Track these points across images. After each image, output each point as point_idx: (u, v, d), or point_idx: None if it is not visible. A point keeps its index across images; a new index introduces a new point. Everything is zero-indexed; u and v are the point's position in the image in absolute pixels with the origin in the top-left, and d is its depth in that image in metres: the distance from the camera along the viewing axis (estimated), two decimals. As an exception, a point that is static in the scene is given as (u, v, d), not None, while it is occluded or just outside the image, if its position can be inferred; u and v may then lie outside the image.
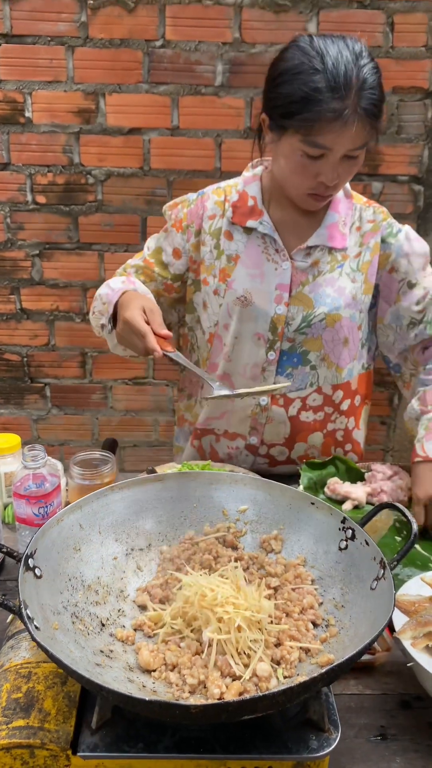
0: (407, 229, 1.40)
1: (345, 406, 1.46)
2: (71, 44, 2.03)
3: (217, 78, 2.08)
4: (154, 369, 2.40)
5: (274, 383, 1.38)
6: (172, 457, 1.62)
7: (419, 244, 1.40)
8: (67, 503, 1.22)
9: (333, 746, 0.72)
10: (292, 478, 1.38)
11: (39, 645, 0.67)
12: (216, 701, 0.66)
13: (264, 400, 1.40)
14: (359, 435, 1.54)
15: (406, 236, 1.40)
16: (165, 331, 1.17)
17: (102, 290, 1.35)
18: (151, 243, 1.45)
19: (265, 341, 1.37)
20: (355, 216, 1.38)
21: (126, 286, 1.31)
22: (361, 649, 0.69)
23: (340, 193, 1.37)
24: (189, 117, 2.11)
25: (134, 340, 1.17)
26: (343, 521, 0.93)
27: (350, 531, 0.92)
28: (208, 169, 2.16)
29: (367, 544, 0.88)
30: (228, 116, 2.11)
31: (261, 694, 0.64)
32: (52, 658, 0.66)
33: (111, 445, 1.48)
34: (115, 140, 2.13)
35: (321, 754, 0.71)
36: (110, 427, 2.49)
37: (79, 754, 0.70)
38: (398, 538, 1.21)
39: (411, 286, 1.41)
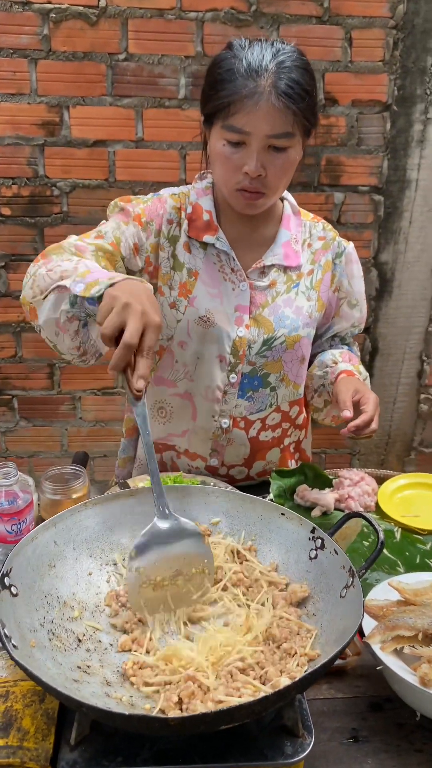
0: (351, 249, 1.44)
1: (300, 420, 1.50)
2: (34, 57, 2.04)
3: (181, 91, 2.11)
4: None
5: (235, 406, 1.39)
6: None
7: (358, 267, 1.46)
8: (39, 518, 1.22)
9: (307, 751, 0.74)
10: (251, 489, 1.40)
11: (18, 664, 0.67)
12: (194, 713, 0.67)
13: (225, 422, 1.40)
14: (307, 443, 1.59)
15: (348, 258, 1.44)
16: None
17: (64, 264, 1.11)
18: (107, 229, 1.29)
19: (227, 363, 1.36)
20: (305, 233, 1.40)
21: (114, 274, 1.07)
22: (333, 656, 0.71)
23: (288, 210, 1.39)
24: (153, 129, 2.13)
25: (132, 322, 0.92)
26: (313, 531, 0.95)
27: (320, 540, 0.94)
28: (173, 181, 2.18)
29: (336, 553, 0.91)
30: (192, 128, 2.12)
31: (238, 704, 0.66)
32: (31, 676, 0.67)
33: (82, 459, 1.48)
34: (79, 152, 2.13)
35: (296, 759, 0.74)
36: (80, 438, 2.48)
37: (58, 771, 0.71)
38: (366, 543, 1.24)
39: (351, 306, 1.46)
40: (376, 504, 1.36)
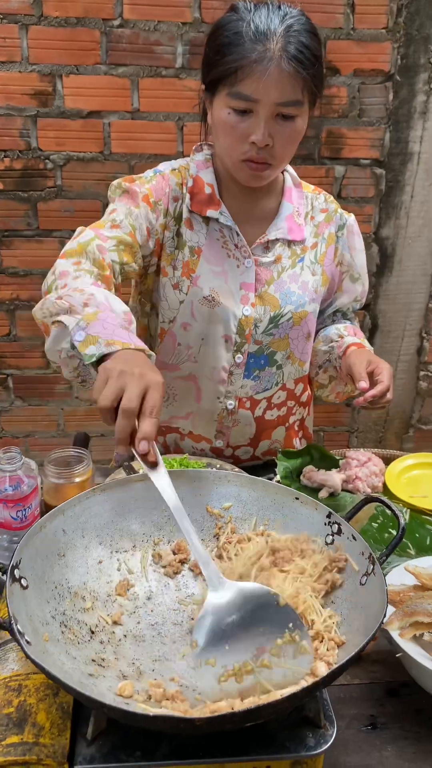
0: (352, 221, 1.41)
1: (304, 397, 1.48)
2: (25, 22, 1.95)
3: (178, 59, 2.04)
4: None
5: (241, 387, 1.36)
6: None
7: (360, 240, 1.42)
8: (43, 503, 1.19)
9: (330, 743, 0.73)
10: (256, 469, 1.38)
11: (36, 664, 0.65)
12: (221, 713, 0.65)
13: (231, 404, 1.37)
14: (310, 421, 1.56)
15: (350, 230, 1.40)
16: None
17: (75, 296, 1.02)
18: (121, 216, 1.22)
19: (233, 343, 1.32)
20: (307, 205, 1.37)
21: (132, 336, 0.97)
22: (363, 645, 0.69)
23: (290, 182, 1.35)
24: (149, 100, 2.06)
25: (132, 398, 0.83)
26: (329, 516, 0.93)
27: (336, 526, 0.92)
28: (171, 153, 2.12)
29: (354, 538, 0.88)
30: (189, 99, 2.06)
31: (266, 702, 0.64)
32: (51, 677, 0.64)
33: (83, 440, 1.45)
34: (73, 123, 2.06)
35: (318, 751, 0.72)
36: (76, 418, 2.45)
37: (75, 766, 0.69)
38: (375, 524, 1.22)
39: (354, 280, 1.43)
40: (384, 484, 1.34)
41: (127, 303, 1.18)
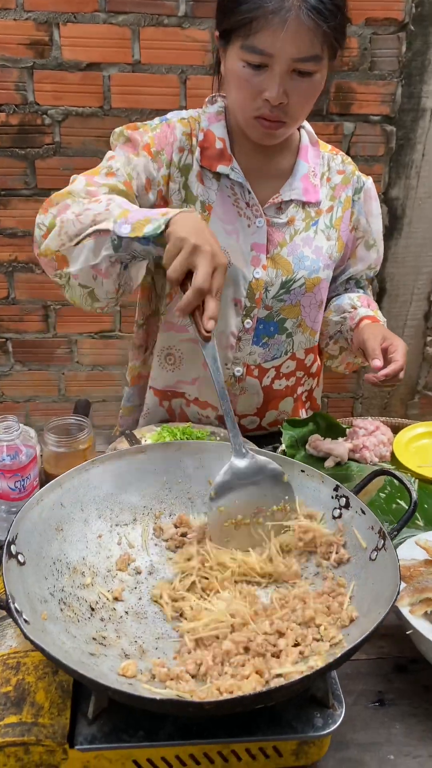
0: (370, 185, 1.35)
1: (314, 368, 1.44)
2: (19, -34, 1.85)
3: (181, 7, 1.93)
4: (121, 322, 2.31)
5: (249, 353, 1.32)
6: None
7: (377, 204, 1.36)
8: (43, 471, 1.16)
9: (338, 723, 0.71)
10: (262, 439, 1.34)
11: (35, 645, 0.62)
12: (231, 696, 0.63)
13: (239, 370, 1.32)
14: (318, 392, 1.52)
15: (367, 194, 1.34)
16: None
17: (93, 207, 1.04)
18: (118, 164, 1.17)
19: (242, 307, 1.27)
20: (323, 166, 1.30)
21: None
22: (378, 623, 0.66)
23: (306, 140, 1.28)
24: (151, 51, 1.97)
25: (202, 262, 0.90)
26: (336, 489, 0.90)
27: (344, 499, 0.89)
28: (173, 109, 2.02)
29: (363, 512, 0.85)
30: (193, 50, 1.97)
31: (277, 685, 0.61)
32: (51, 658, 0.61)
33: (84, 408, 1.41)
34: (72, 76, 1.97)
35: (326, 732, 0.70)
36: (77, 383, 2.41)
37: (76, 747, 0.67)
38: (383, 495, 1.19)
39: (369, 247, 1.37)
40: (392, 454, 1.31)
41: None
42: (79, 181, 1.14)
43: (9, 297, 2.26)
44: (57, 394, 2.43)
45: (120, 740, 0.68)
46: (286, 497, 0.91)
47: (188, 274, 0.92)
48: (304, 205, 1.27)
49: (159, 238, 0.96)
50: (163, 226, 0.95)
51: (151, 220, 0.97)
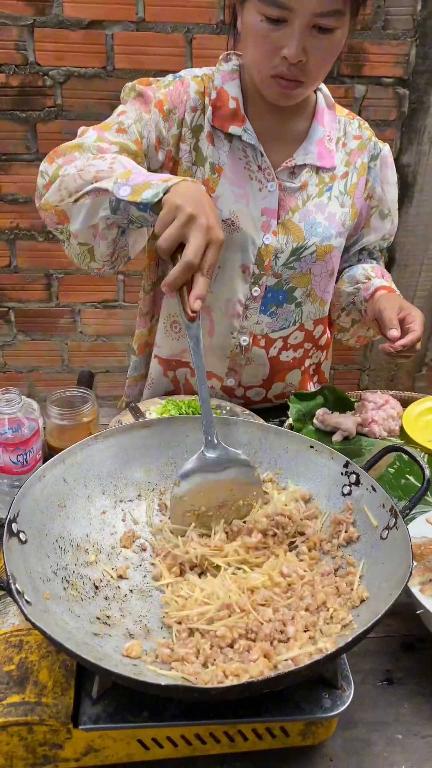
0: (387, 152, 1.30)
1: (323, 341, 1.40)
2: None
3: (187, -39, 1.85)
4: (125, 291, 2.27)
5: (256, 323, 1.28)
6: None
7: (393, 173, 1.31)
8: (45, 443, 1.14)
9: (347, 704, 0.69)
10: (268, 412, 1.32)
11: (36, 627, 0.60)
12: (238, 683, 0.61)
13: (245, 340, 1.29)
14: (327, 365, 1.49)
15: (384, 161, 1.29)
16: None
17: (96, 163, 0.99)
18: (129, 121, 1.12)
19: (251, 275, 1.23)
20: (339, 130, 1.25)
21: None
22: (387, 610, 0.64)
23: (322, 103, 1.23)
24: (155, 8, 1.89)
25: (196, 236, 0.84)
26: (346, 465, 0.87)
27: (354, 476, 0.86)
28: (178, 70, 1.96)
29: (374, 489, 0.83)
30: (199, 7, 1.89)
31: (287, 670, 0.60)
32: (53, 641, 0.60)
33: (87, 380, 1.39)
34: (73, 35, 1.90)
35: (335, 713, 0.69)
36: (81, 353, 2.38)
37: (80, 727, 0.66)
38: (391, 470, 1.17)
39: (383, 216, 1.33)
40: (401, 428, 1.28)
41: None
42: (89, 135, 1.09)
43: (11, 265, 2.22)
44: (60, 365, 2.40)
45: (124, 720, 0.67)
46: (254, 492, 0.88)
47: (180, 246, 0.86)
48: (318, 170, 1.22)
49: (156, 206, 0.91)
50: (161, 194, 0.90)
51: (151, 185, 0.92)
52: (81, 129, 1.13)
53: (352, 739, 0.77)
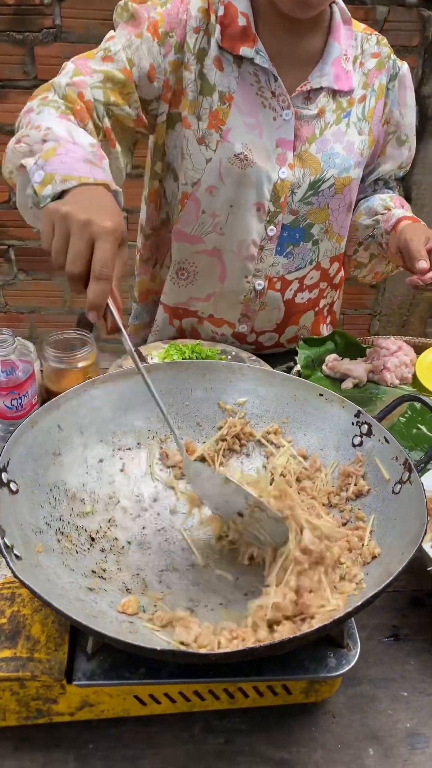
0: (405, 71, 1.19)
1: (337, 279, 1.32)
2: None
3: None
4: (128, 230, 2.18)
5: (272, 265, 1.20)
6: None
7: (411, 95, 1.20)
8: (43, 387, 1.10)
9: (353, 663, 0.66)
10: (277, 357, 1.27)
11: (26, 585, 0.57)
12: (240, 648, 0.58)
13: (260, 284, 1.21)
14: (338, 305, 1.42)
15: (402, 81, 1.18)
16: (118, 298, 0.73)
17: (32, 134, 0.87)
18: (117, 47, 1.02)
19: (266, 213, 1.14)
20: (357, 48, 1.14)
21: (95, 169, 0.82)
22: (401, 570, 0.61)
23: (338, 16, 1.11)
24: None
25: (79, 259, 0.70)
26: (358, 415, 0.83)
27: (366, 426, 0.82)
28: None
29: (386, 441, 0.78)
30: None
31: (292, 636, 0.56)
32: (45, 602, 0.56)
33: (88, 322, 1.32)
34: None
35: (340, 672, 0.66)
36: (82, 295, 2.32)
37: (74, 683, 0.63)
38: (402, 419, 1.12)
39: (400, 143, 1.23)
40: (414, 376, 1.23)
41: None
42: (66, 71, 1.00)
43: (10, 201, 2.13)
44: (62, 306, 2.34)
45: (120, 677, 0.64)
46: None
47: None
48: (335, 93, 1.12)
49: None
50: (49, 200, 0.76)
51: (53, 182, 0.78)
52: (64, 65, 1.02)
53: (356, 696, 0.74)
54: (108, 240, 0.69)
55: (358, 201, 1.28)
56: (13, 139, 0.92)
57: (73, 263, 0.69)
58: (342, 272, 1.34)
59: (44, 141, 0.85)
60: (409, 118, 1.21)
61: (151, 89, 1.06)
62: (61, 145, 0.84)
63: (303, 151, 1.12)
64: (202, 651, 0.59)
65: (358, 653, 0.68)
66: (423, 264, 1.03)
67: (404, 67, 1.19)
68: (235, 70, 1.07)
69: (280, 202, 1.14)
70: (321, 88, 1.11)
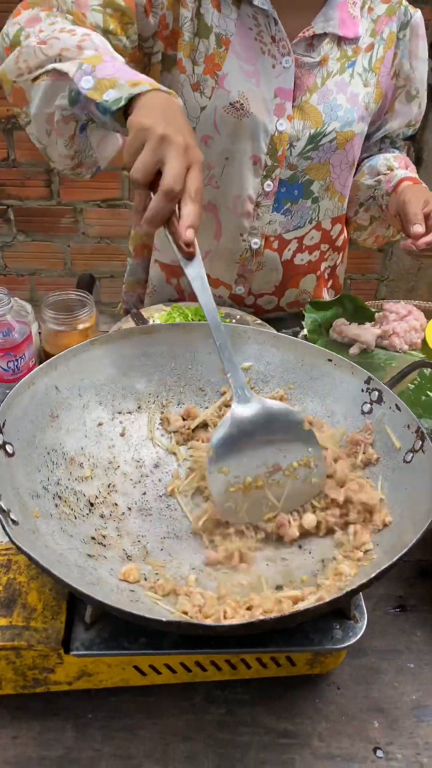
0: (418, 19, 1.12)
1: (340, 241, 1.27)
2: None
3: None
4: (130, 189, 2.13)
5: (269, 222, 1.15)
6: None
7: (424, 45, 1.13)
8: (41, 350, 1.06)
9: (359, 635, 0.64)
10: (280, 321, 1.23)
11: (23, 551, 0.54)
12: (248, 620, 0.55)
13: (256, 243, 1.16)
14: (342, 270, 1.37)
15: (414, 30, 1.11)
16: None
17: (63, 37, 0.83)
18: None
19: (262, 166, 1.09)
20: None
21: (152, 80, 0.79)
22: (415, 543, 0.58)
23: None
24: None
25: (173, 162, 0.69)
26: (368, 381, 0.79)
27: (376, 393, 0.78)
28: None
29: (398, 408, 0.75)
30: None
31: (302, 608, 0.54)
32: (44, 569, 0.54)
33: (88, 283, 1.29)
34: None
35: (346, 644, 0.64)
36: (84, 256, 2.27)
37: (72, 653, 0.61)
38: (411, 386, 1.09)
39: (410, 98, 1.17)
40: (423, 341, 1.19)
41: None
42: None
43: (9, 159, 2.07)
44: (63, 268, 2.30)
45: (120, 647, 0.62)
46: (309, 449, 0.72)
47: (158, 175, 0.70)
48: (339, 41, 1.06)
49: (117, 113, 0.76)
50: (124, 102, 0.75)
51: (117, 85, 0.76)
52: None
53: (361, 668, 0.73)
54: (202, 169, 0.72)
55: (362, 160, 1.22)
56: (30, 41, 0.85)
57: (175, 182, 0.69)
58: (345, 234, 1.29)
59: (80, 48, 0.82)
60: (420, 71, 1.15)
61: (146, 24, 1.00)
62: (103, 57, 0.80)
63: (303, 101, 1.07)
64: (209, 622, 0.57)
65: (365, 625, 0.66)
66: (418, 228, 0.97)
67: (417, 14, 1.12)
68: (233, 12, 1.01)
69: (277, 156, 1.09)
70: (325, 34, 1.05)
